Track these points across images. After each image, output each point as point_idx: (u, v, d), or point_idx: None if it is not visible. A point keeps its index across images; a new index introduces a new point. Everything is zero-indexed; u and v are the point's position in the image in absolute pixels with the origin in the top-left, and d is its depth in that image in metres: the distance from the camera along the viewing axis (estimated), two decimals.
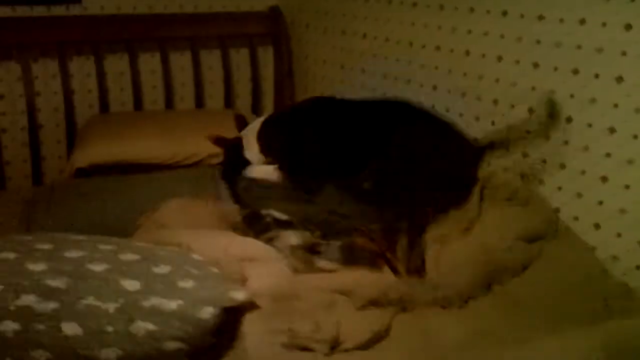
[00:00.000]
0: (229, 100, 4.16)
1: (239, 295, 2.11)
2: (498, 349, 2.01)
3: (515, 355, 1.98)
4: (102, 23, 3.75)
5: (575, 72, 2.66)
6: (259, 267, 2.35)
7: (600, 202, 2.61)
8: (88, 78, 3.84)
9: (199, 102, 4.09)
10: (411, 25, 3.40)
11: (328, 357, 2.09)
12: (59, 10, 3.71)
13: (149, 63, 3.97)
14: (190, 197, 2.94)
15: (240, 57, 4.20)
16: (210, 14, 4.05)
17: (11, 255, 2.13)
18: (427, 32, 3.32)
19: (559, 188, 2.77)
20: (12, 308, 1.93)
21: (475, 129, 3.10)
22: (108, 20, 3.78)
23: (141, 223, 2.83)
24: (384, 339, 2.16)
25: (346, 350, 2.11)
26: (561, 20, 2.70)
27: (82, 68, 3.81)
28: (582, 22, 2.62)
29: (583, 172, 2.68)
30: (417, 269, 2.49)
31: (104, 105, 3.84)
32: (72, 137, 3.73)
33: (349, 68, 3.83)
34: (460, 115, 3.19)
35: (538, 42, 2.80)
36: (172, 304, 2.04)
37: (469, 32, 3.12)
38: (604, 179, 2.59)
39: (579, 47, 2.64)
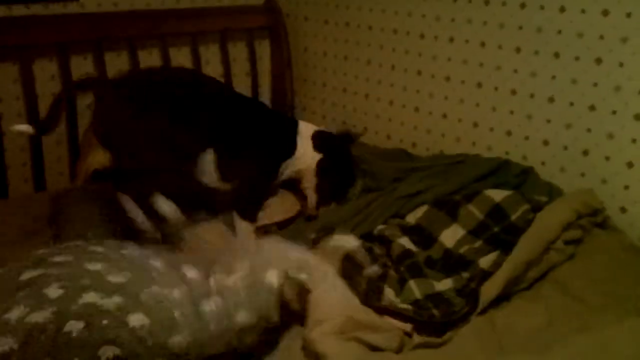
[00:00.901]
0: None
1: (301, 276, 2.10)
2: (573, 337, 2.04)
3: (586, 343, 2.00)
4: (101, 20, 3.66)
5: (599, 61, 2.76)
6: (315, 279, 2.30)
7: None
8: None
9: None
10: (421, 17, 3.40)
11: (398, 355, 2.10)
12: (56, 9, 3.61)
13: (148, 60, 3.89)
14: None
15: (237, 51, 4.15)
16: (207, 9, 4.00)
17: (67, 258, 2.09)
18: (440, 24, 3.33)
19: (582, 174, 2.87)
20: (74, 307, 1.89)
21: (493, 120, 3.15)
22: (107, 17, 3.69)
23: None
24: (455, 335, 2.16)
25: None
26: (583, 11, 2.78)
27: (80, 67, 3.71)
28: (605, 12, 2.72)
29: (607, 158, 2.76)
30: None
31: None
32: (74, 138, 3.65)
33: (354, 59, 3.82)
34: (477, 105, 3.21)
35: (559, 32, 2.87)
36: (235, 277, 2.03)
37: (485, 23, 3.16)
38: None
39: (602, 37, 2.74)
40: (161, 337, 1.87)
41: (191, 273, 2.07)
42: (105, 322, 1.85)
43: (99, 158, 3.19)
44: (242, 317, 1.94)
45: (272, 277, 2.01)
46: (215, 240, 2.72)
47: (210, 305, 1.93)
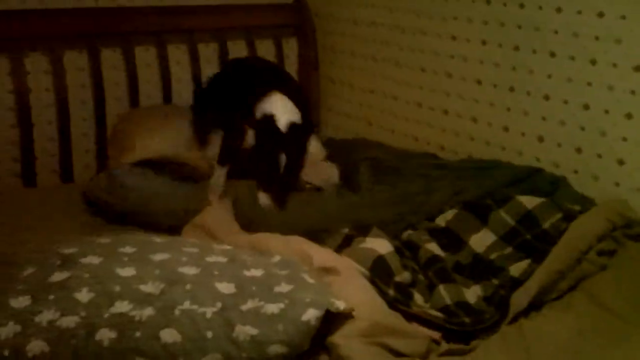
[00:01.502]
0: None
1: (340, 304, 2.06)
2: (604, 348, 2.03)
3: (617, 355, 2.00)
4: (131, 15, 3.67)
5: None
6: (343, 281, 2.28)
7: None
8: (115, 71, 3.74)
9: None
10: (454, 19, 3.38)
11: None
12: (87, 2, 3.62)
13: (176, 55, 3.89)
14: None
15: (264, 49, 4.14)
16: (235, 5, 3.99)
17: (95, 260, 2.08)
18: (472, 26, 3.31)
19: (617, 184, 2.84)
20: (106, 316, 1.89)
21: (522, 124, 3.15)
22: (136, 12, 3.69)
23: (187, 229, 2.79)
24: (483, 343, 2.14)
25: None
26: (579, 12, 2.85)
27: (108, 60, 3.71)
28: (600, 14, 2.78)
29: None
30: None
31: (134, 99, 3.75)
32: (102, 131, 3.65)
33: (382, 60, 3.80)
34: (508, 109, 3.19)
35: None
36: (273, 307, 1.99)
37: (502, 25, 3.18)
38: None
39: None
40: (193, 355, 1.86)
41: (225, 287, 2.04)
42: (137, 334, 1.86)
43: (133, 154, 3.24)
44: (276, 349, 1.92)
45: (311, 316, 1.98)
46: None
47: (244, 334, 1.91)
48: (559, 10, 2.91)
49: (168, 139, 3.36)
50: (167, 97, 3.86)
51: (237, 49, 4.05)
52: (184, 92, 3.93)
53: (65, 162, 3.59)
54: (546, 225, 2.54)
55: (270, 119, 2.81)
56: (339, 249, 2.50)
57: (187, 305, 1.95)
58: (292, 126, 2.81)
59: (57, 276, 2.00)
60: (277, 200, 2.75)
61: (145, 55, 3.81)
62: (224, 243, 2.50)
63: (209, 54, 3.99)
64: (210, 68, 3.96)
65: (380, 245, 2.46)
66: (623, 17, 2.70)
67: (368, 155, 3.32)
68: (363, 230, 2.57)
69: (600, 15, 2.77)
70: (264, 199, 2.76)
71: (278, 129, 2.78)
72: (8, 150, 3.51)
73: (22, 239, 2.68)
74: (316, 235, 2.60)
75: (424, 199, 2.87)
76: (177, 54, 3.91)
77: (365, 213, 2.80)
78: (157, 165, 3.23)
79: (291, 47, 4.24)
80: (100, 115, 3.65)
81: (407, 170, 3.14)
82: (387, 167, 3.16)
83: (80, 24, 3.53)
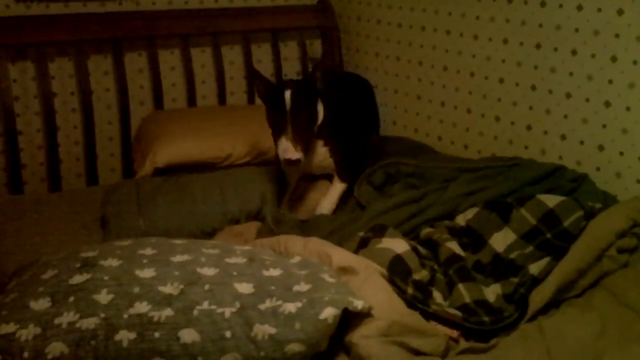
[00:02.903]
0: None
1: (358, 303, 2.06)
2: (625, 346, 2.01)
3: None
4: (155, 18, 3.69)
5: None
6: (361, 281, 2.28)
7: None
8: (139, 74, 3.78)
9: (251, 97, 4.04)
10: (476, 19, 3.37)
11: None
12: (111, 6, 3.65)
13: (200, 58, 3.92)
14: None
15: (288, 51, 4.15)
16: (259, 8, 4.03)
17: (115, 262, 2.09)
18: (494, 26, 3.29)
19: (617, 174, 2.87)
20: (125, 316, 1.91)
21: (545, 122, 3.14)
22: (161, 15, 3.72)
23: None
24: (502, 342, 2.13)
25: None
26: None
27: (133, 63, 3.75)
28: (620, 12, 2.77)
29: None
30: None
31: (158, 102, 3.78)
32: (127, 135, 3.68)
33: (406, 60, 3.80)
34: (530, 108, 3.18)
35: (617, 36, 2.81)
36: (291, 306, 2.00)
37: (523, 23, 3.17)
38: None
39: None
40: (212, 355, 1.88)
41: (244, 287, 2.05)
42: (157, 334, 1.88)
43: (161, 157, 3.31)
44: (294, 347, 1.93)
45: (329, 315, 1.98)
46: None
47: (263, 333, 1.92)
48: (579, 8, 2.89)
49: (193, 141, 3.37)
50: (191, 100, 3.87)
51: (261, 52, 4.07)
52: (208, 95, 3.95)
53: (90, 165, 3.62)
54: (567, 223, 2.51)
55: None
56: (355, 251, 2.50)
57: (206, 305, 1.96)
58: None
59: (77, 278, 2.01)
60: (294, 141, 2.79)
61: (170, 59, 3.84)
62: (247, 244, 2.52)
63: (233, 56, 4.01)
64: (234, 70, 3.99)
65: (397, 244, 2.46)
66: None
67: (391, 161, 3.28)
68: (379, 231, 2.56)
69: (620, 12, 2.74)
70: (282, 144, 2.79)
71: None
72: (34, 154, 3.55)
73: (46, 243, 2.72)
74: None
75: (437, 197, 2.86)
76: (202, 57, 3.93)
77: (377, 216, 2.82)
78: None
79: (316, 49, 4.25)
80: (125, 118, 3.68)
81: (431, 176, 3.11)
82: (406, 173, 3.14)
83: (105, 28, 3.57)
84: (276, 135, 2.84)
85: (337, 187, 3.08)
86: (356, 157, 3.20)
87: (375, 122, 3.60)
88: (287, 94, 2.80)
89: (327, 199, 3.05)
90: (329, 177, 3.15)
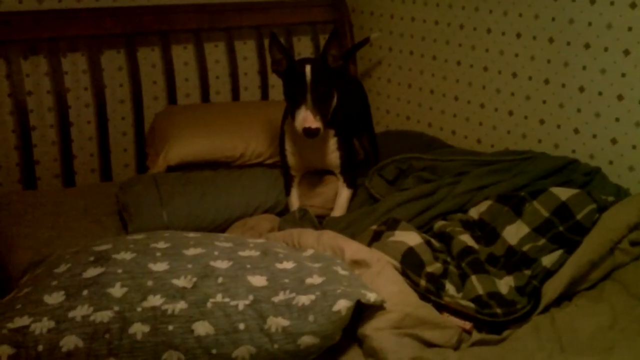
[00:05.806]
0: None
1: (371, 295, 2.07)
2: (637, 338, 2.02)
3: None
4: (167, 13, 3.69)
5: None
6: (374, 273, 2.28)
7: None
8: (153, 69, 3.78)
9: (264, 92, 4.04)
10: (489, 13, 3.36)
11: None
12: (124, 1, 3.65)
13: (213, 53, 3.92)
14: None
15: (301, 46, 4.15)
16: (272, 2, 4.00)
17: (128, 256, 2.10)
18: (507, 20, 3.29)
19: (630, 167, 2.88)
20: (139, 310, 1.92)
21: (558, 116, 3.13)
22: (173, 9, 3.72)
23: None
24: (514, 333, 2.13)
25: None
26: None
27: (146, 58, 3.75)
28: (633, 5, 2.79)
29: None
30: None
31: (172, 97, 3.79)
32: (141, 130, 3.69)
33: (419, 55, 3.79)
34: (544, 102, 3.18)
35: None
36: (304, 299, 2.01)
37: (536, 17, 3.17)
38: None
39: None
40: (226, 348, 1.89)
41: (257, 280, 2.06)
42: (170, 327, 1.89)
43: (175, 155, 3.32)
44: (308, 340, 1.94)
45: (342, 307, 1.98)
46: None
47: (276, 325, 1.93)
48: (592, 1, 2.90)
49: (206, 140, 3.38)
50: (205, 95, 3.88)
51: None
52: (221, 90, 3.96)
53: (104, 161, 3.63)
54: (580, 216, 2.51)
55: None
56: (368, 244, 2.51)
57: (219, 298, 1.97)
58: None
59: (91, 272, 2.02)
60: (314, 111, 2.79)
61: (183, 54, 3.84)
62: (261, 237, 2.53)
63: (246, 52, 4.01)
64: (248, 66, 3.99)
65: (409, 237, 2.46)
66: None
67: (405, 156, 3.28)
68: (392, 224, 2.57)
69: (633, 6, 2.75)
70: (302, 113, 2.79)
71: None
72: (48, 150, 3.56)
73: (59, 238, 2.73)
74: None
75: (450, 190, 2.86)
76: (215, 52, 3.93)
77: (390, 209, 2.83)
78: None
79: None
80: (139, 114, 3.69)
81: (444, 169, 3.11)
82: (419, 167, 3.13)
83: (118, 23, 3.56)
84: (295, 107, 2.81)
85: (345, 194, 3.06)
86: (354, 158, 3.25)
87: (368, 124, 3.56)
88: (308, 67, 2.80)
89: (337, 208, 3.04)
90: (333, 173, 3.15)
